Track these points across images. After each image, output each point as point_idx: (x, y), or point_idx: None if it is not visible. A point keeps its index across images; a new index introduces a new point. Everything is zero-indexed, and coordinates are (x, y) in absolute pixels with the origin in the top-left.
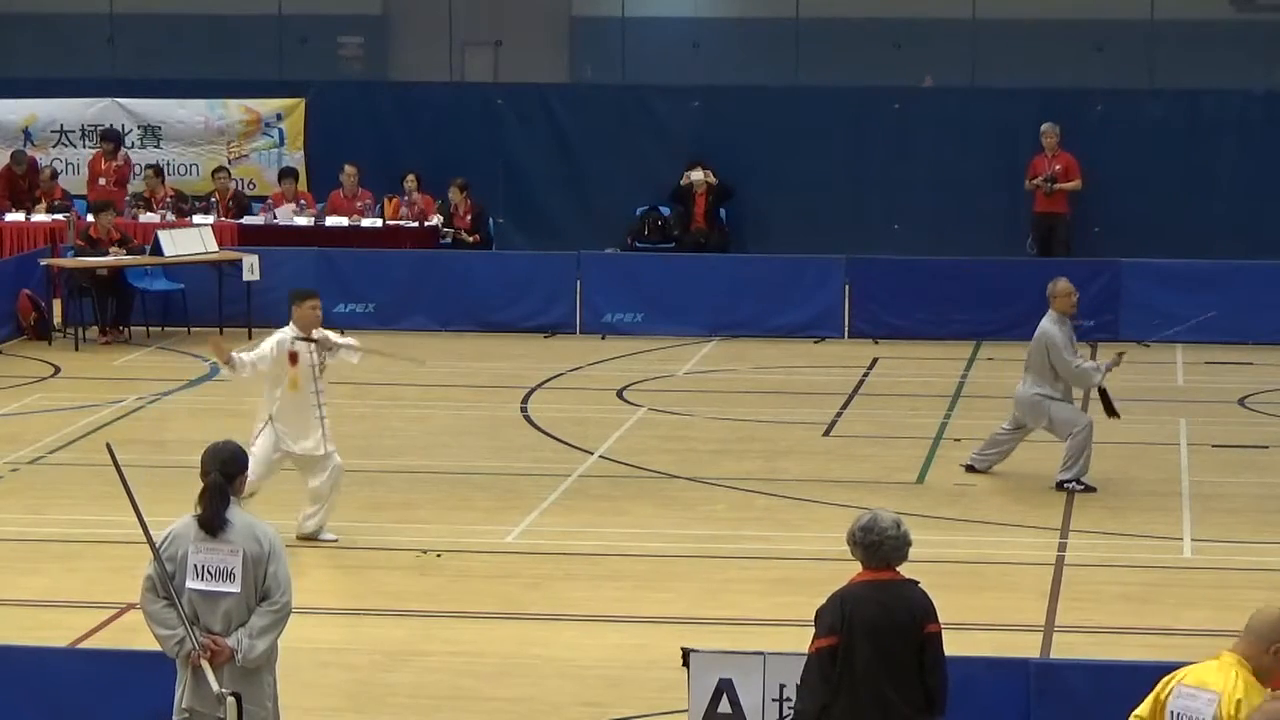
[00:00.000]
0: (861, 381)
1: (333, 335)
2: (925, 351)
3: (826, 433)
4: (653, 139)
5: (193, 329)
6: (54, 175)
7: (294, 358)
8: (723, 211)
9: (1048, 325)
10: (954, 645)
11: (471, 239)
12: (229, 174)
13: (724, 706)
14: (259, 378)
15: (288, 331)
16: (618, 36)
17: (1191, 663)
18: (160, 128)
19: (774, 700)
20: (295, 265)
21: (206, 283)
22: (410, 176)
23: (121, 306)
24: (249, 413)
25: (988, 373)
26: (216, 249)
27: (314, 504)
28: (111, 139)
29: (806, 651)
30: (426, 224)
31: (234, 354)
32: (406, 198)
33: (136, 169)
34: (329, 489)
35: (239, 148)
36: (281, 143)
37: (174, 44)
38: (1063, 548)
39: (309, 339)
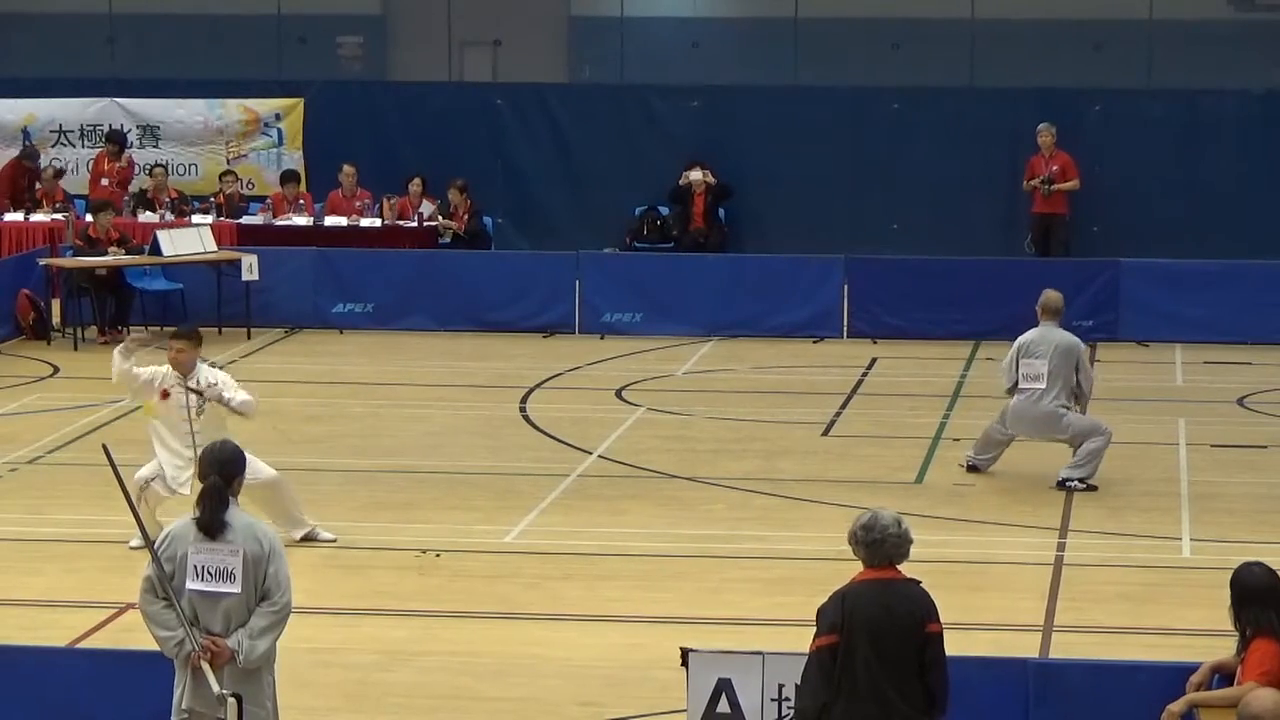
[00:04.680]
0: (860, 381)
1: (219, 385)
2: (924, 351)
3: (825, 432)
4: (651, 139)
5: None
6: (57, 174)
7: (165, 394)
8: (721, 211)
9: (1074, 336)
10: (953, 645)
11: (467, 236)
12: (236, 177)
13: (723, 706)
14: (124, 384)
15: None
16: (616, 36)
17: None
18: (159, 128)
19: (773, 700)
20: (294, 265)
21: (205, 283)
22: (416, 180)
23: (120, 306)
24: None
25: (986, 373)
26: (215, 249)
27: (274, 520)
28: (116, 140)
29: (807, 650)
30: (426, 224)
31: (131, 358)
32: (413, 204)
33: (139, 169)
34: (277, 498)
35: (238, 147)
36: (280, 142)
37: (173, 44)
38: (1062, 548)
39: (184, 381)
